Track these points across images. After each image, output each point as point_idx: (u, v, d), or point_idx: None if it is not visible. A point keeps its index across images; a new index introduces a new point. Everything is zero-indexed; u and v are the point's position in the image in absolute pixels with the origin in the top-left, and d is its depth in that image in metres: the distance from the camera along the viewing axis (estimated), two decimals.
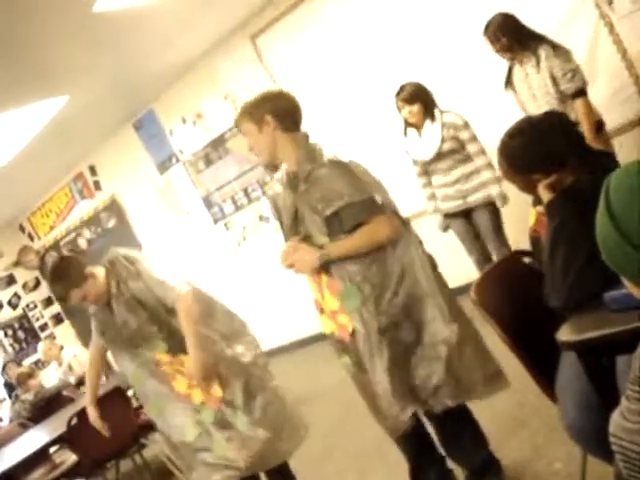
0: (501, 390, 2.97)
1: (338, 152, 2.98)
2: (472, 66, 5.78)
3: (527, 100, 4.75)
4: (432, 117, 5.01)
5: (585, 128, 4.49)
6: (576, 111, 4.52)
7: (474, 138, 4.98)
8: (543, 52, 4.56)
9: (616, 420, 1.27)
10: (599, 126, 4.60)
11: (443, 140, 4.98)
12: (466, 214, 5.24)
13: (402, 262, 2.86)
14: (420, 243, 3.01)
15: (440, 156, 5.05)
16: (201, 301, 3.60)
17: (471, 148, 4.97)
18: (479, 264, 5.30)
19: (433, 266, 2.98)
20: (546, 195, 2.34)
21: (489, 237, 5.20)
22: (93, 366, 4.05)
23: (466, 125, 4.98)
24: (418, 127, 5.10)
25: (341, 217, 2.81)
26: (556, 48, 4.57)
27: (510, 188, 2.60)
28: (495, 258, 5.21)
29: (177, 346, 3.51)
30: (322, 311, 3.04)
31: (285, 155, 2.98)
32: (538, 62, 4.59)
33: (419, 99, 5.01)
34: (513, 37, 4.66)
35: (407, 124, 5.18)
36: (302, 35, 6.70)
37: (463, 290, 5.87)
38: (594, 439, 2.11)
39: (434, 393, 2.85)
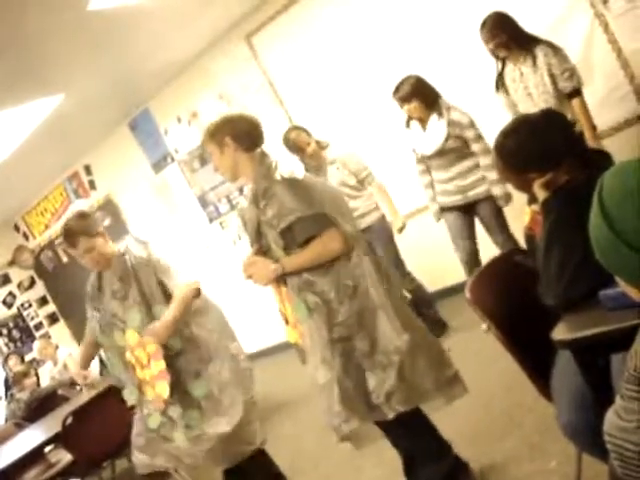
0: (458, 397, 3.06)
1: (293, 169, 3.13)
2: (469, 64, 5.78)
3: (521, 100, 4.74)
4: (439, 112, 4.96)
5: (585, 127, 4.51)
6: (573, 110, 4.54)
7: (479, 137, 4.93)
8: (540, 51, 4.57)
9: (611, 419, 1.27)
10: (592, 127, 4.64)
11: (448, 137, 4.93)
12: (464, 209, 5.17)
13: (354, 275, 2.97)
14: (373, 252, 3.15)
15: (441, 152, 5.01)
16: (200, 299, 3.76)
17: (476, 147, 4.92)
18: (465, 263, 5.26)
19: (387, 277, 3.10)
20: (541, 193, 2.34)
21: (494, 229, 5.13)
22: (85, 344, 4.13)
23: (471, 124, 4.93)
24: (422, 120, 5.05)
25: (293, 231, 2.95)
26: (553, 47, 4.59)
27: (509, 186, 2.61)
28: (500, 249, 5.11)
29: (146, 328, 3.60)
30: (287, 321, 3.17)
31: (245, 173, 3.16)
32: (534, 61, 4.60)
33: (416, 95, 4.95)
34: (510, 35, 4.67)
35: (410, 118, 5.14)
36: (297, 34, 6.69)
37: (459, 288, 5.90)
38: (589, 438, 2.11)
39: (386, 400, 2.94)
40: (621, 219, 1.23)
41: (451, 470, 3.14)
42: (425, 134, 5.04)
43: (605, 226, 1.26)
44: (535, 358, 2.42)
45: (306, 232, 2.93)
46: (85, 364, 4.16)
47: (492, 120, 5.20)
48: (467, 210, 5.18)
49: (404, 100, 5.00)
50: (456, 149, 4.98)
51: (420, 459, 3.18)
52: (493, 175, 4.86)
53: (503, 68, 4.84)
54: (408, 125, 5.17)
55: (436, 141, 4.97)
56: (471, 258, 5.22)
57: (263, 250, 3.07)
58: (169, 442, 3.65)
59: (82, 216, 3.83)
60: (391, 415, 2.96)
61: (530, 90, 4.66)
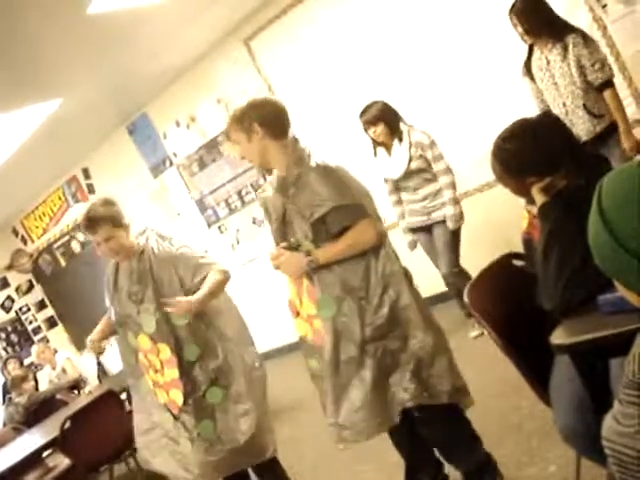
0: (468, 407, 3.03)
1: (327, 156, 3.02)
2: (470, 65, 5.79)
3: (547, 89, 4.58)
4: (400, 136, 5.11)
5: (618, 119, 4.41)
6: (601, 103, 4.43)
7: (439, 157, 5.08)
8: (571, 40, 4.39)
9: (609, 424, 1.26)
10: (615, 125, 4.51)
11: (411, 159, 5.09)
12: (426, 230, 5.39)
13: (385, 272, 2.90)
14: (397, 256, 3.07)
15: (408, 174, 5.17)
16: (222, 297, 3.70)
17: (435, 167, 5.09)
18: (444, 277, 5.39)
19: (409, 279, 3.04)
20: (540, 198, 2.34)
21: (441, 251, 5.32)
22: (106, 320, 4.02)
23: (432, 144, 5.07)
24: (387, 146, 5.20)
25: (327, 221, 2.86)
26: (585, 37, 4.43)
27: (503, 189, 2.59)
28: (440, 272, 5.37)
29: (161, 334, 3.51)
30: (297, 314, 3.11)
31: (275, 161, 3.02)
32: (564, 51, 4.42)
33: (382, 119, 5.11)
34: (540, 20, 4.48)
35: (376, 143, 5.28)
36: (295, 38, 6.70)
37: (433, 300, 5.95)
38: (588, 442, 2.10)
39: (405, 390, 2.89)
40: (620, 223, 1.23)
41: (479, 466, 3.12)
42: (391, 159, 5.21)
43: (604, 230, 1.25)
44: (533, 362, 2.42)
45: (341, 222, 2.85)
46: (100, 336, 3.94)
47: (491, 124, 5.27)
48: (429, 230, 5.39)
49: (370, 123, 5.13)
50: (422, 170, 5.13)
51: (456, 447, 3.15)
52: (450, 194, 5.08)
53: (530, 54, 4.65)
54: (375, 153, 5.33)
55: (401, 164, 5.14)
56: (450, 271, 5.33)
57: (293, 246, 2.95)
58: (175, 444, 3.59)
59: (110, 202, 3.70)
60: (399, 409, 2.90)
61: (556, 80, 4.49)
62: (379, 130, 5.11)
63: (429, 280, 6.00)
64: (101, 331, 3.91)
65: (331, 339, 2.90)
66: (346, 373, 2.91)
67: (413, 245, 5.52)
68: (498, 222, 5.65)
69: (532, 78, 4.68)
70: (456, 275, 5.18)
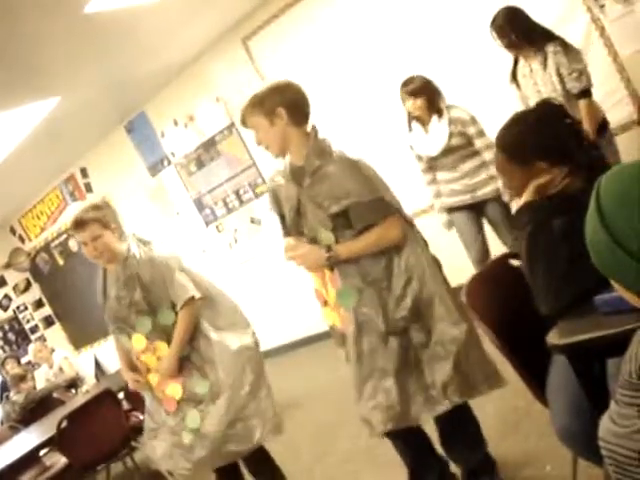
0: (500, 387, 2.96)
1: (347, 149, 2.96)
2: (469, 65, 5.78)
3: (531, 96, 4.69)
4: (439, 112, 4.98)
5: (588, 129, 4.41)
6: (579, 111, 4.48)
7: (481, 133, 4.94)
8: (551, 49, 4.51)
9: (605, 424, 1.26)
10: (604, 125, 4.60)
11: (451, 136, 4.94)
12: (472, 208, 5.18)
13: (408, 264, 2.85)
14: (425, 244, 3.01)
15: (447, 152, 5.01)
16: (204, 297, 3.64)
17: (478, 143, 4.93)
18: (476, 263, 5.23)
19: (438, 267, 2.99)
20: (529, 195, 2.32)
21: (502, 230, 5.12)
22: (119, 349, 3.89)
23: (473, 120, 4.94)
24: (423, 122, 5.06)
25: (349, 216, 2.80)
26: (565, 46, 4.52)
27: None
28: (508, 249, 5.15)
29: (157, 333, 3.55)
30: (325, 303, 3.05)
31: (294, 149, 2.93)
32: (545, 59, 4.54)
33: (424, 93, 4.97)
34: (520, 32, 4.60)
35: (411, 118, 5.15)
36: (294, 37, 6.70)
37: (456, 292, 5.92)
38: (584, 442, 2.10)
39: (443, 391, 2.83)
40: (618, 223, 1.23)
41: (480, 464, 3.12)
42: (428, 136, 5.05)
43: (602, 230, 1.25)
44: (530, 362, 2.42)
45: (365, 219, 2.79)
46: (128, 367, 3.79)
47: (501, 116, 5.25)
48: (475, 210, 5.18)
49: (412, 94, 4.98)
50: (461, 147, 4.98)
51: (458, 445, 3.15)
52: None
53: (516, 62, 4.79)
54: (410, 128, 5.18)
55: (440, 141, 4.98)
56: (483, 257, 5.20)
57: (305, 237, 2.92)
58: (179, 438, 3.56)
59: (97, 207, 3.75)
60: (447, 406, 2.84)
61: (539, 87, 4.61)
62: (419, 103, 4.97)
63: (459, 269, 6.01)
64: (130, 367, 3.78)
65: (353, 330, 2.86)
66: (369, 364, 2.87)
67: (450, 225, 5.34)
68: None
69: (518, 85, 4.82)
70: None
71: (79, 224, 3.59)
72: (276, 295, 7.82)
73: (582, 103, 4.50)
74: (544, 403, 2.41)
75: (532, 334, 2.20)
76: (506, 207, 5.02)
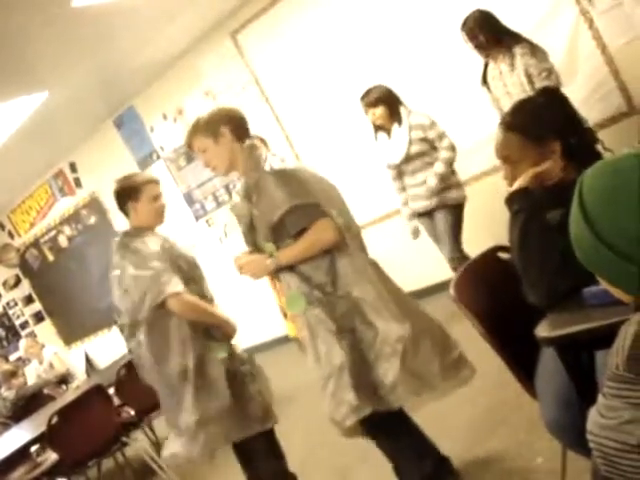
0: (469, 379, 3.02)
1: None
2: (444, 68, 5.81)
3: (501, 97, 4.82)
4: (399, 120, 5.12)
5: None
6: None
7: (442, 135, 5.10)
8: (519, 50, 4.62)
9: (593, 417, 1.26)
10: None
11: (410, 142, 5.09)
12: (431, 215, 5.35)
13: (352, 266, 2.93)
14: (364, 247, 3.12)
15: (409, 159, 5.16)
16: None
17: (439, 145, 5.08)
18: (450, 261, 5.33)
19: (377, 268, 3.08)
20: (525, 181, 2.30)
21: (442, 237, 5.30)
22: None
23: (433, 124, 5.10)
24: (387, 130, 5.22)
25: (286, 223, 2.89)
26: (532, 47, 4.64)
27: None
28: (446, 257, 5.33)
29: None
30: (285, 315, 3.12)
31: (240, 165, 3.07)
32: (513, 61, 4.65)
33: (383, 102, 5.15)
34: (489, 34, 4.73)
35: (376, 128, 5.30)
36: (283, 31, 6.68)
37: (436, 289, 5.96)
38: (574, 434, 2.11)
39: (392, 390, 2.88)
40: (600, 220, 1.23)
41: (435, 470, 3.12)
42: (390, 143, 5.21)
43: (585, 226, 1.25)
44: (520, 355, 2.42)
45: (298, 224, 2.87)
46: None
47: (468, 123, 5.31)
48: (431, 214, 5.35)
49: (371, 105, 5.16)
50: (423, 153, 5.13)
51: (402, 459, 3.15)
52: (440, 167, 5.09)
53: (487, 65, 4.91)
54: (376, 137, 5.35)
55: (401, 148, 5.14)
56: (456, 255, 5.28)
57: (258, 249, 3.00)
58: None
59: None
60: (396, 405, 2.90)
61: (509, 89, 4.72)
62: (378, 112, 5.13)
63: (429, 269, 6.05)
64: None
65: (308, 334, 2.94)
66: (327, 364, 2.92)
67: (416, 233, 5.51)
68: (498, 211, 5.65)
69: (489, 88, 4.94)
70: (459, 261, 5.11)
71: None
72: (267, 289, 7.81)
73: None
74: (533, 395, 2.41)
75: (521, 327, 2.20)
76: (458, 217, 5.22)
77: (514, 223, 2.26)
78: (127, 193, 3.68)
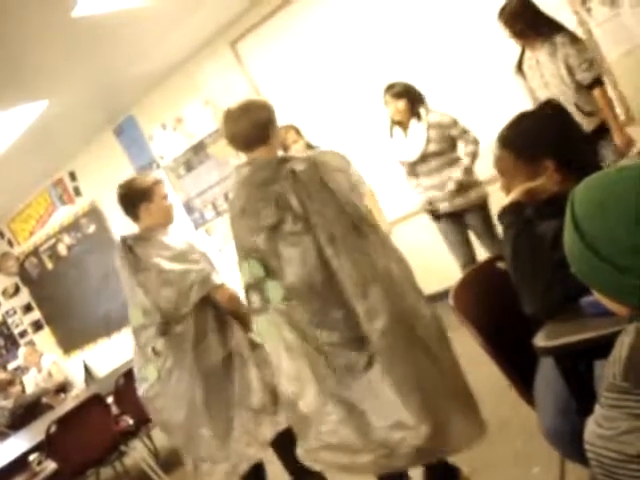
0: None
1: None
2: (456, 69, 5.81)
3: (538, 87, 4.63)
4: (418, 116, 5.02)
5: (609, 117, 4.44)
6: (593, 101, 4.46)
7: (465, 130, 5.00)
8: (559, 39, 4.46)
9: (590, 427, 1.27)
10: (604, 123, 4.55)
11: (428, 140, 4.97)
12: (454, 215, 5.19)
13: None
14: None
15: (425, 157, 5.03)
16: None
17: (464, 138, 5.00)
18: (463, 268, 5.22)
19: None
20: (516, 195, 2.30)
21: (484, 237, 5.18)
22: None
23: (454, 122, 4.99)
24: (404, 126, 5.10)
25: None
26: (573, 37, 4.50)
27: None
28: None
29: None
30: None
31: None
32: (554, 50, 4.48)
33: (406, 96, 5.03)
34: (527, 23, 4.55)
35: (393, 122, 5.19)
36: (282, 40, 6.71)
37: (443, 296, 5.92)
38: (572, 444, 2.10)
39: None
40: (592, 231, 1.24)
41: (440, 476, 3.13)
42: (407, 140, 5.08)
43: (577, 239, 1.27)
44: (518, 364, 2.42)
45: None
46: None
47: (485, 121, 5.27)
48: (457, 216, 5.19)
49: (395, 96, 5.03)
50: (441, 153, 5.00)
51: None
52: (467, 161, 4.99)
53: (523, 52, 4.72)
54: (391, 134, 5.21)
55: (418, 145, 5.01)
56: (469, 262, 5.19)
57: None
58: None
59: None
60: None
61: (547, 79, 4.54)
62: (401, 105, 5.02)
63: (443, 273, 6.01)
64: None
65: None
66: None
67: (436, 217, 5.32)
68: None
69: (524, 76, 4.73)
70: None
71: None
72: None
73: (597, 92, 4.45)
74: (531, 404, 2.41)
75: (519, 336, 2.21)
76: (487, 214, 5.08)
77: (506, 237, 2.28)
78: (140, 194, 3.65)
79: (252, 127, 2.88)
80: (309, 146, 5.24)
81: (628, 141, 4.44)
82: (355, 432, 2.71)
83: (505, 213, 2.31)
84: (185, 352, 3.44)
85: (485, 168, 5.60)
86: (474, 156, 4.99)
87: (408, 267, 2.87)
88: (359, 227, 2.71)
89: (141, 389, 3.58)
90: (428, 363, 2.71)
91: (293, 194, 2.70)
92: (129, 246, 3.56)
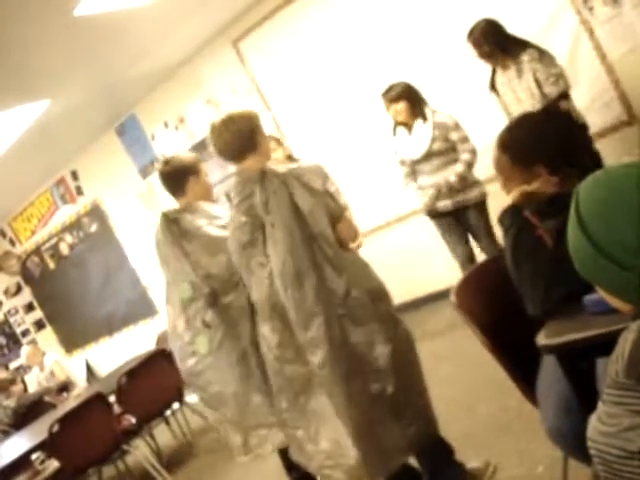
0: None
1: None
2: (452, 71, 5.81)
3: (511, 103, 4.81)
4: (423, 116, 5.04)
5: None
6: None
7: (465, 138, 5.02)
8: (526, 57, 4.62)
9: (593, 424, 1.27)
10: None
11: (434, 140, 5.00)
12: (454, 213, 5.20)
13: None
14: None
15: (429, 156, 5.05)
16: None
17: (462, 147, 5.00)
18: (462, 266, 5.25)
19: None
20: (514, 198, 2.31)
21: (481, 236, 5.19)
22: None
23: (456, 126, 5.01)
24: (408, 126, 5.12)
25: None
26: (540, 52, 4.63)
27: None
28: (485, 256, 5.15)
29: None
30: None
31: None
32: (520, 68, 4.65)
33: (404, 97, 5.04)
34: (495, 44, 4.74)
35: (396, 123, 5.20)
36: (284, 39, 6.70)
37: (445, 294, 5.93)
38: (575, 442, 2.11)
39: None
40: (597, 230, 1.24)
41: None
42: (411, 138, 5.09)
43: (583, 238, 1.27)
44: (520, 363, 2.42)
45: None
46: None
47: (481, 124, 5.28)
48: (457, 214, 5.20)
49: (392, 100, 5.06)
50: (443, 152, 5.02)
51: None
52: (461, 168, 4.99)
53: (495, 71, 4.91)
54: (394, 132, 5.22)
55: (423, 143, 5.03)
56: (468, 260, 5.23)
57: None
58: None
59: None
60: None
61: (519, 95, 4.71)
62: (400, 107, 5.04)
63: (430, 278, 6.01)
64: None
65: None
66: None
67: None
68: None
69: (497, 93, 4.94)
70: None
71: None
72: None
73: (564, 105, 4.56)
74: (534, 403, 2.42)
75: (521, 334, 2.21)
76: (486, 213, 5.09)
77: (505, 239, 2.30)
78: (189, 168, 3.64)
79: (237, 138, 2.96)
80: (290, 157, 5.15)
81: None
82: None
83: (504, 216, 2.33)
84: (236, 321, 3.40)
85: (485, 167, 5.65)
86: (469, 166, 5.03)
87: (375, 288, 2.99)
88: (320, 247, 2.86)
89: (187, 364, 3.54)
90: (366, 392, 2.90)
91: (262, 207, 2.92)
92: (173, 219, 3.56)
